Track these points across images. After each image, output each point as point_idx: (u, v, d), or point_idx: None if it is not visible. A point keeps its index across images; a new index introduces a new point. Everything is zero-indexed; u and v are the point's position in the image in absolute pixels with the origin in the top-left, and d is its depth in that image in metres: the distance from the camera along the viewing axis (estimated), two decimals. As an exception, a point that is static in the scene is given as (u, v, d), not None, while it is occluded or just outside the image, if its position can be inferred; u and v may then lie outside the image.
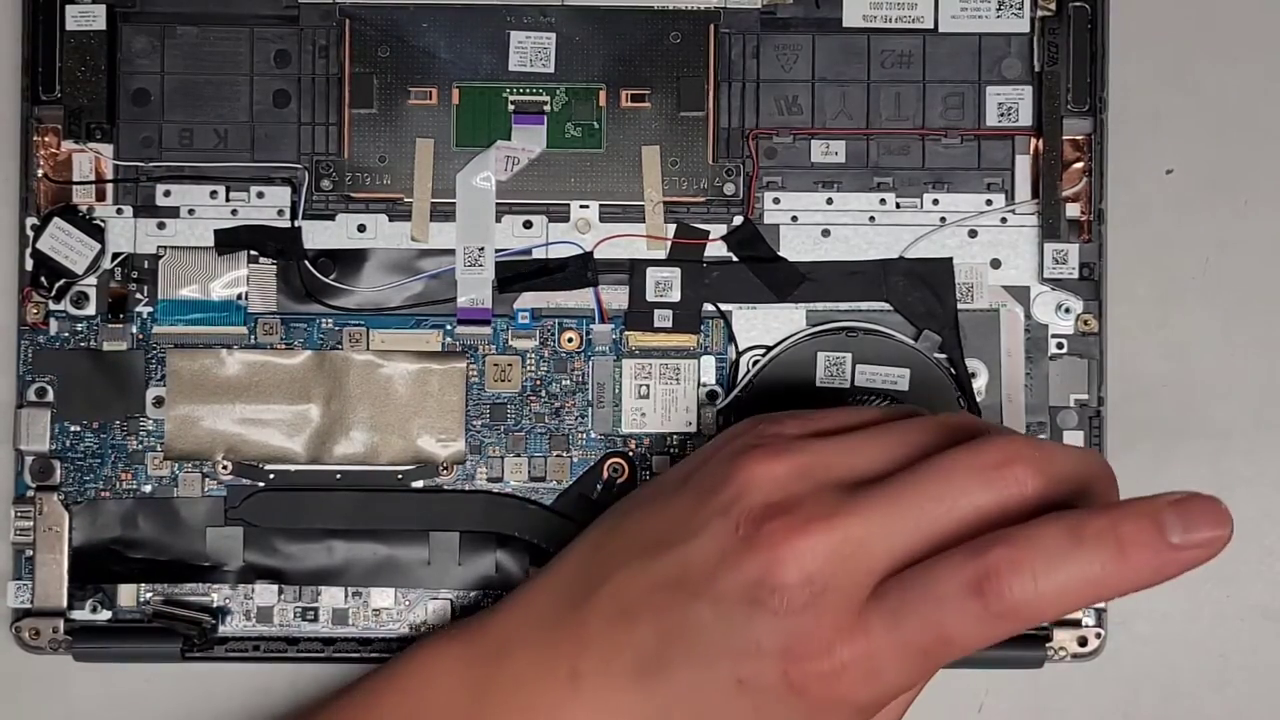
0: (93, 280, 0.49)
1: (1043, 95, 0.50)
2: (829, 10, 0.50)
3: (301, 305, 0.50)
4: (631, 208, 0.50)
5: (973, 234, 0.50)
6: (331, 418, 0.49)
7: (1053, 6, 0.50)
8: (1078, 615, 0.49)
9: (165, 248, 0.50)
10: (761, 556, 0.38)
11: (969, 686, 0.51)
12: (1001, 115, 0.50)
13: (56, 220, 0.49)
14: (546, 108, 0.50)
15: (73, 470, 0.49)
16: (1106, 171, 0.50)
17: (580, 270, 0.50)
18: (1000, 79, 0.50)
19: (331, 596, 0.49)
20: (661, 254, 0.50)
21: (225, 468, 0.49)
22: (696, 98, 0.50)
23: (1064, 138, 0.50)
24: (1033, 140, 0.50)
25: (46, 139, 0.50)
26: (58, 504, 0.49)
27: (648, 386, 0.50)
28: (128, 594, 0.49)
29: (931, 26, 0.50)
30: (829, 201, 0.50)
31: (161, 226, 0.50)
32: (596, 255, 0.50)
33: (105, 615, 0.49)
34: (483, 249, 0.50)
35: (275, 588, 0.49)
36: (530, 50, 0.50)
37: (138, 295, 0.50)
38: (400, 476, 0.50)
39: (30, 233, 0.49)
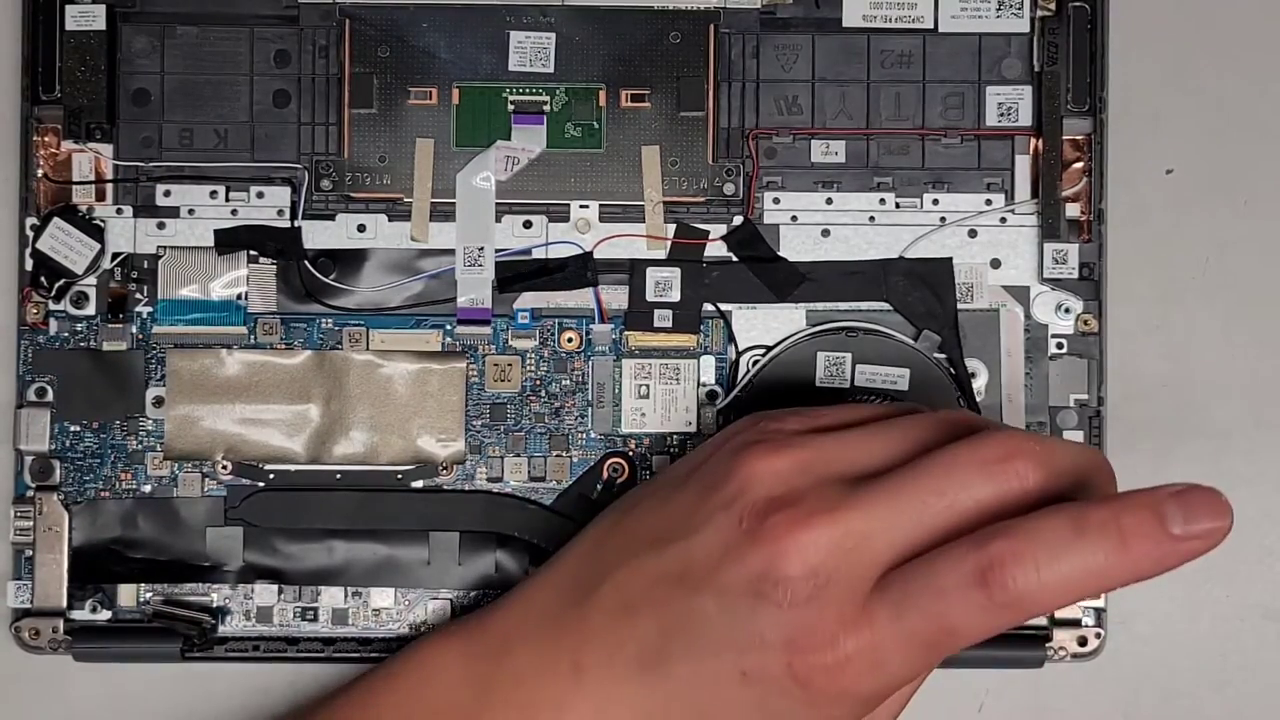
0: (93, 280, 0.49)
1: (1043, 95, 0.50)
2: (829, 10, 0.50)
3: (301, 305, 0.50)
4: (631, 208, 0.50)
5: (973, 234, 0.50)
6: (331, 418, 0.49)
7: (1053, 6, 0.50)
8: (1078, 615, 0.49)
9: (165, 248, 0.50)
10: (765, 550, 0.38)
11: (969, 686, 0.51)
12: (1001, 115, 0.50)
13: (56, 220, 0.49)
14: (546, 108, 0.50)
15: (73, 470, 0.49)
16: (1106, 171, 0.50)
17: (580, 270, 0.50)
18: (1000, 79, 0.50)
19: (331, 596, 0.49)
20: (661, 254, 0.50)
21: (225, 468, 0.49)
22: (696, 98, 0.50)
23: (1064, 138, 0.50)
24: (1033, 140, 0.50)
25: (46, 139, 0.50)
26: (58, 504, 0.49)
27: (648, 386, 0.50)
28: (128, 594, 0.49)
29: (931, 26, 0.50)
30: (829, 201, 0.50)
31: (161, 226, 0.50)
32: (596, 255, 0.50)
33: (105, 615, 0.49)
34: (483, 249, 0.50)
35: (275, 588, 0.49)
36: (530, 50, 0.50)
37: (138, 295, 0.50)
38: (400, 476, 0.50)
39: (30, 233, 0.49)
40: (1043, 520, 0.37)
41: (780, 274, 0.50)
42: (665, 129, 0.50)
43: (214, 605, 0.49)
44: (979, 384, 0.49)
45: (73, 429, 0.49)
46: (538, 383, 0.50)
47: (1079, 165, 0.50)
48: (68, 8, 0.49)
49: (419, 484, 0.50)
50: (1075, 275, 0.50)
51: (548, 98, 0.50)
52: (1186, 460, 0.51)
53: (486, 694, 0.42)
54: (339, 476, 0.49)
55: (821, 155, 0.50)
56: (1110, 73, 0.50)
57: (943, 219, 0.50)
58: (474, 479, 0.50)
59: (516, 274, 0.50)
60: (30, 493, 0.49)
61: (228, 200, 0.50)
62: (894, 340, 0.49)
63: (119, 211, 0.50)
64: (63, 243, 0.49)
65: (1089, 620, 0.49)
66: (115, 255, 0.50)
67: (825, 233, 0.50)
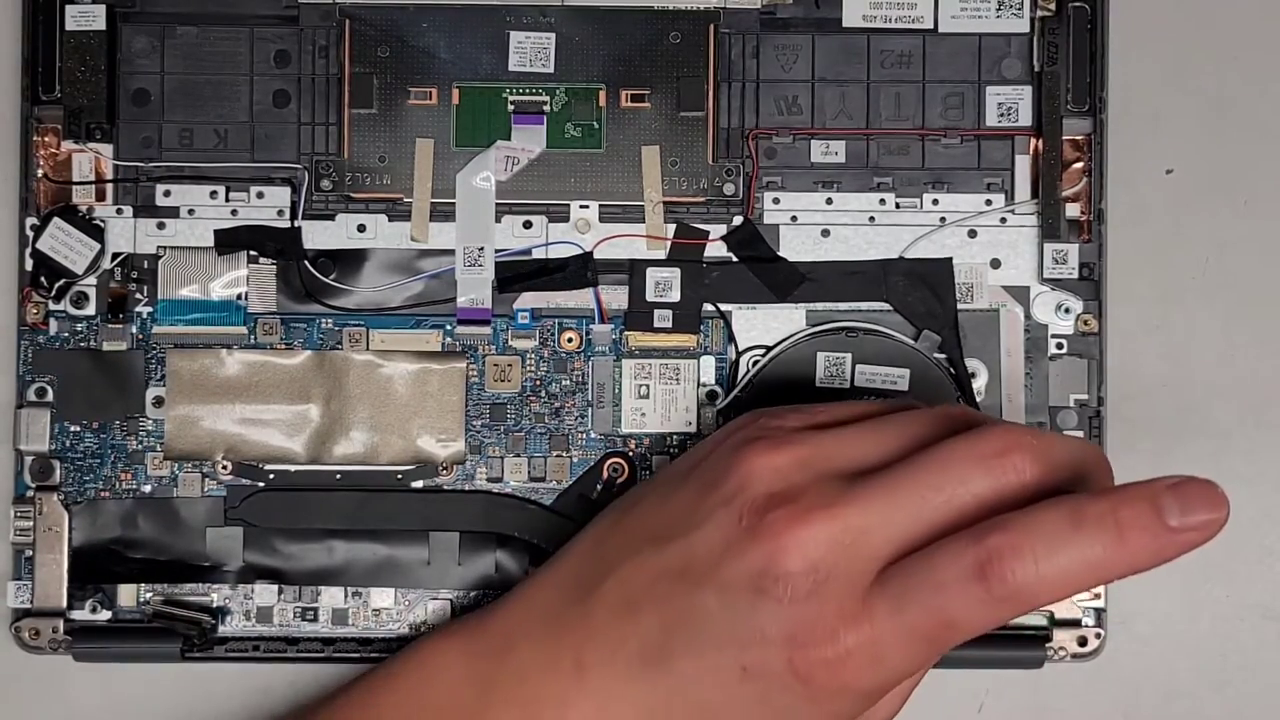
0: (92, 280, 0.49)
1: (1043, 95, 0.50)
2: (829, 10, 0.50)
3: (301, 305, 0.50)
4: (631, 208, 0.50)
5: (972, 234, 0.50)
6: (331, 418, 0.49)
7: (1053, 6, 0.50)
8: (1078, 615, 0.49)
9: (165, 248, 0.50)
10: (765, 546, 0.38)
11: (969, 686, 0.51)
12: (1001, 115, 0.50)
13: (56, 220, 0.49)
14: (546, 108, 0.50)
15: (73, 470, 0.49)
16: (1106, 171, 0.50)
17: (580, 270, 0.50)
18: (1000, 79, 0.50)
19: (331, 596, 0.49)
20: (661, 254, 0.50)
21: (225, 468, 0.49)
22: (696, 98, 0.50)
23: (1064, 138, 0.50)
24: (1033, 140, 0.50)
25: (46, 139, 0.50)
26: (57, 504, 0.49)
27: (647, 386, 0.50)
28: (127, 594, 0.49)
29: (931, 26, 0.50)
30: (829, 201, 0.50)
31: (161, 226, 0.50)
32: (596, 255, 0.50)
33: (105, 615, 0.49)
34: (482, 249, 0.50)
35: (275, 588, 0.49)
36: (530, 50, 0.50)
37: (138, 295, 0.50)
38: (400, 476, 0.50)
39: (30, 233, 0.49)
40: (1040, 513, 0.37)
41: (780, 274, 0.50)
42: (665, 129, 0.50)
43: (214, 605, 0.49)
44: (979, 384, 0.49)
45: (73, 429, 0.49)
46: (538, 383, 0.50)
47: (1079, 165, 0.50)
48: (68, 8, 0.49)
49: (419, 484, 0.50)
50: (1075, 275, 0.50)
51: (548, 98, 0.50)
52: (1186, 460, 0.51)
53: (488, 692, 0.42)
54: (339, 476, 0.49)
55: (821, 155, 0.50)
56: (1110, 73, 0.50)
57: (943, 219, 0.50)
58: (474, 479, 0.50)
59: (516, 274, 0.50)
60: (30, 493, 0.49)
61: (228, 200, 0.50)
62: (894, 340, 0.49)
63: (119, 211, 0.50)
64: (63, 243, 0.49)
65: (1089, 620, 0.49)
66: (115, 255, 0.50)
67: (825, 233, 0.50)
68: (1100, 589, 0.49)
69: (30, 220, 0.49)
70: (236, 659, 0.49)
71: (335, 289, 0.50)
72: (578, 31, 0.50)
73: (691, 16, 0.50)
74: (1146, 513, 0.36)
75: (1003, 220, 0.50)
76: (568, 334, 0.50)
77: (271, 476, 0.49)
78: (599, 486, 0.50)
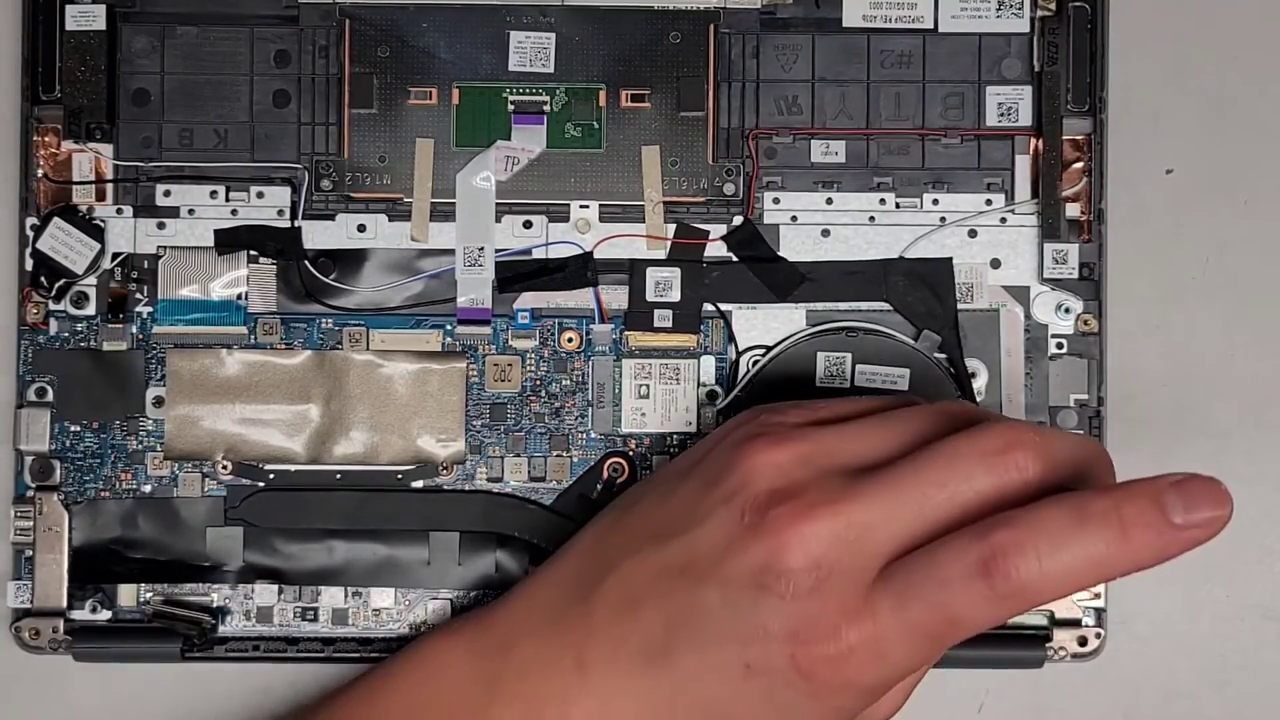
0: (93, 280, 0.49)
1: (1043, 95, 0.50)
2: (829, 10, 0.50)
3: (301, 305, 0.50)
4: (631, 208, 0.50)
5: (973, 234, 0.50)
6: (331, 418, 0.49)
7: (1053, 6, 0.50)
8: (1078, 615, 0.49)
9: (165, 248, 0.50)
10: (767, 542, 0.38)
11: (969, 686, 0.51)
12: (1001, 115, 0.50)
13: (56, 220, 0.49)
14: (546, 108, 0.50)
15: (73, 470, 0.49)
16: (1106, 171, 0.50)
17: (580, 270, 0.50)
18: (1000, 79, 0.50)
19: (331, 596, 0.49)
20: (661, 254, 0.50)
21: (225, 468, 0.49)
22: (696, 98, 0.50)
23: (1064, 138, 0.50)
24: (1033, 140, 0.50)
25: (46, 139, 0.50)
26: (58, 504, 0.49)
27: (648, 386, 0.50)
28: (128, 594, 0.49)
29: (931, 26, 0.50)
30: (829, 201, 0.50)
31: (161, 226, 0.50)
32: (596, 255, 0.50)
33: (105, 615, 0.49)
34: (483, 249, 0.50)
35: (275, 588, 0.49)
36: (530, 50, 0.50)
37: (138, 295, 0.50)
38: (400, 476, 0.50)
39: (30, 233, 0.49)
40: (1044, 510, 0.37)
41: (780, 274, 0.50)
42: (665, 129, 0.50)
43: (214, 605, 0.49)
44: (979, 384, 0.49)
45: (73, 429, 0.49)
46: (538, 383, 0.50)
47: (1079, 165, 0.50)
48: (68, 8, 0.49)
49: (419, 484, 0.50)
50: (1075, 275, 0.50)
51: (548, 98, 0.50)
52: (1186, 460, 0.50)
53: (491, 689, 0.42)
54: (339, 476, 0.49)
55: (821, 155, 0.50)
56: (1110, 73, 0.50)
57: (943, 219, 0.50)
58: (474, 479, 0.50)
59: (516, 274, 0.50)
60: (30, 493, 0.49)
61: (228, 200, 0.50)
62: (894, 340, 0.49)
63: (119, 211, 0.50)
64: (63, 243, 0.49)
65: (1089, 620, 0.49)
66: (115, 255, 0.50)
67: (825, 233, 0.50)
68: (1100, 589, 0.49)
69: (30, 220, 0.49)
70: (236, 659, 0.49)
71: (335, 289, 0.50)
72: (578, 31, 0.50)
73: (691, 16, 0.50)
74: (1150, 509, 0.37)
75: (1003, 220, 0.50)
76: (568, 334, 0.50)
77: (271, 476, 0.49)
78: (599, 486, 0.50)
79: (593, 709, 0.40)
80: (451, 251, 0.50)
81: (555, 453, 0.50)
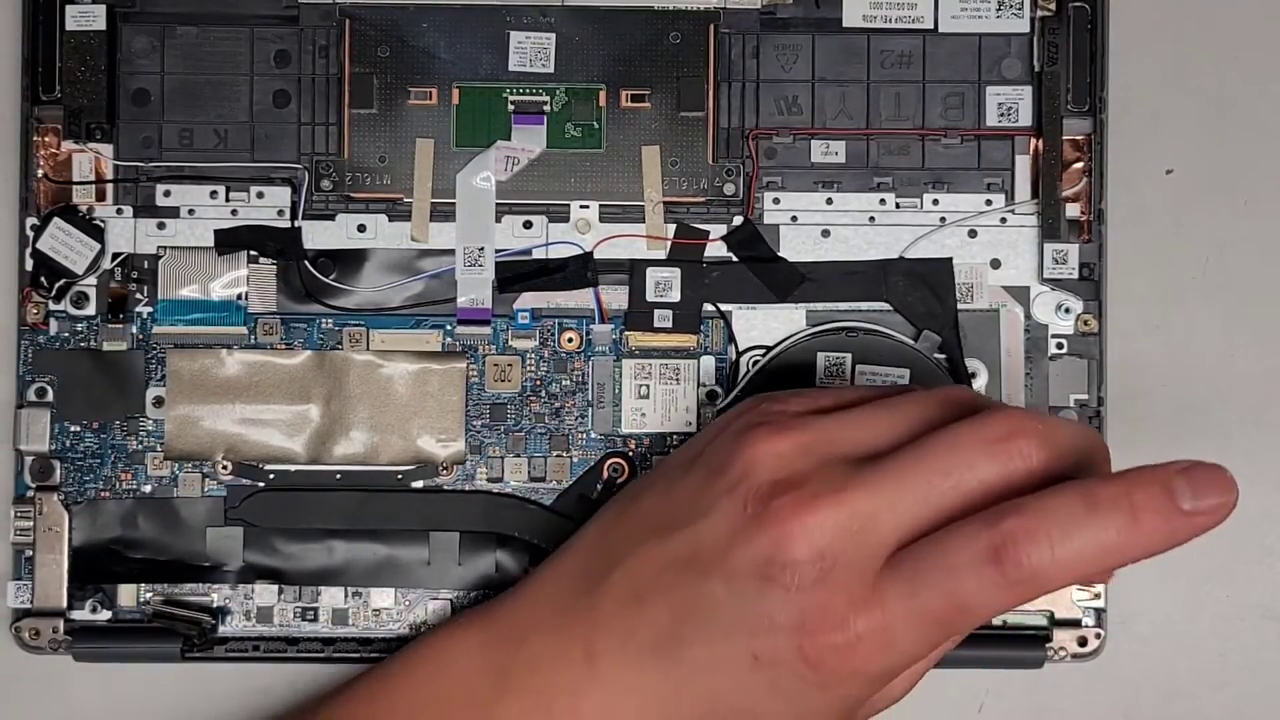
0: (93, 280, 0.49)
1: (1043, 95, 0.50)
2: (829, 10, 0.50)
3: (301, 305, 0.50)
4: (631, 208, 0.50)
5: (973, 234, 0.50)
6: (331, 418, 0.49)
7: (1053, 6, 0.50)
8: (1078, 615, 0.49)
9: (165, 248, 0.50)
10: (771, 533, 0.38)
11: (969, 686, 0.51)
12: (1001, 115, 0.50)
13: (56, 220, 0.49)
14: (546, 108, 0.50)
15: (73, 470, 0.49)
16: (1106, 171, 0.50)
17: (580, 270, 0.50)
18: (1000, 79, 0.50)
19: (331, 596, 0.49)
20: (661, 254, 0.50)
21: (225, 468, 0.49)
22: (696, 98, 0.50)
23: (1064, 138, 0.50)
24: (1033, 140, 0.50)
25: (46, 139, 0.50)
26: (58, 504, 0.49)
27: (648, 386, 0.50)
28: (128, 594, 0.49)
29: (931, 26, 0.50)
30: (829, 201, 0.50)
31: (161, 226, 0.50)
32: (596, 255, 0.50)
33: (105, 615, 0.49)
34: (483, 249, 0.50)
35: (275, 588, 0.49)
36: (530, 50, 0.50)
37: (138, 295, 0.50)
38: (400, 476, 0.50)
39: (30, 233, 0.49)
40: (1055, 497, 0.37)
41: (780, 274, 0.50)
42: (665, 129, 0.50)
43: (214, 605, 0.49)
44: (979, 384, 0.49)
45: (73, 429, 0.49)
46: (538, 383, 0.50)
47: (1079, 165, 0.50)
48: (68, 8, 0.49)
49: (419, 484, 0.50)
50: (1075, 275, 0.50)
51: (548, 98, 0.50)
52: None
53: (502, 682, 0.42)
54: (339, 476, 0.49)
55: (821, 155, 0.50)
56: (1110, 73, 0.50)
57: (943, 219, 0.50)
58: (474, 479, 0.50)
59: (516, 274, 0.50)
60: (30, 493, 0.49)
61: (228, 200, 0.50)
62: (894, 340, 0.49)
63: (119, 211, 0.50)
64: (63, 243, 0.49)
65: (1089, 620, 0.49)
66: (115, 255, 0.50)
67: (825, 233, 0.50)
68: (1100, 588, 0.49)
69: (30, 220, 0.49)
70: (236, 659, 0.49)
71: (335, 289, 0.50)
72: (578, 31, 0.50)
73: (691, 16, 0.50)
74: (1159, 495, 0.37)
75: (1003, 220, 0.50)
76: (568, 334, 0.50)
77: (271, 476, 0.49)
78: (599, 486, 0.49)
79: (602, 701, 0.40)
80: (451, 251, 0.50)
81: (555, 453, 0.50)
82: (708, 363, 0.50)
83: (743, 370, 0.49)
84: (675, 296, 0.50)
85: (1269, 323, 0.51)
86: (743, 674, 0.39)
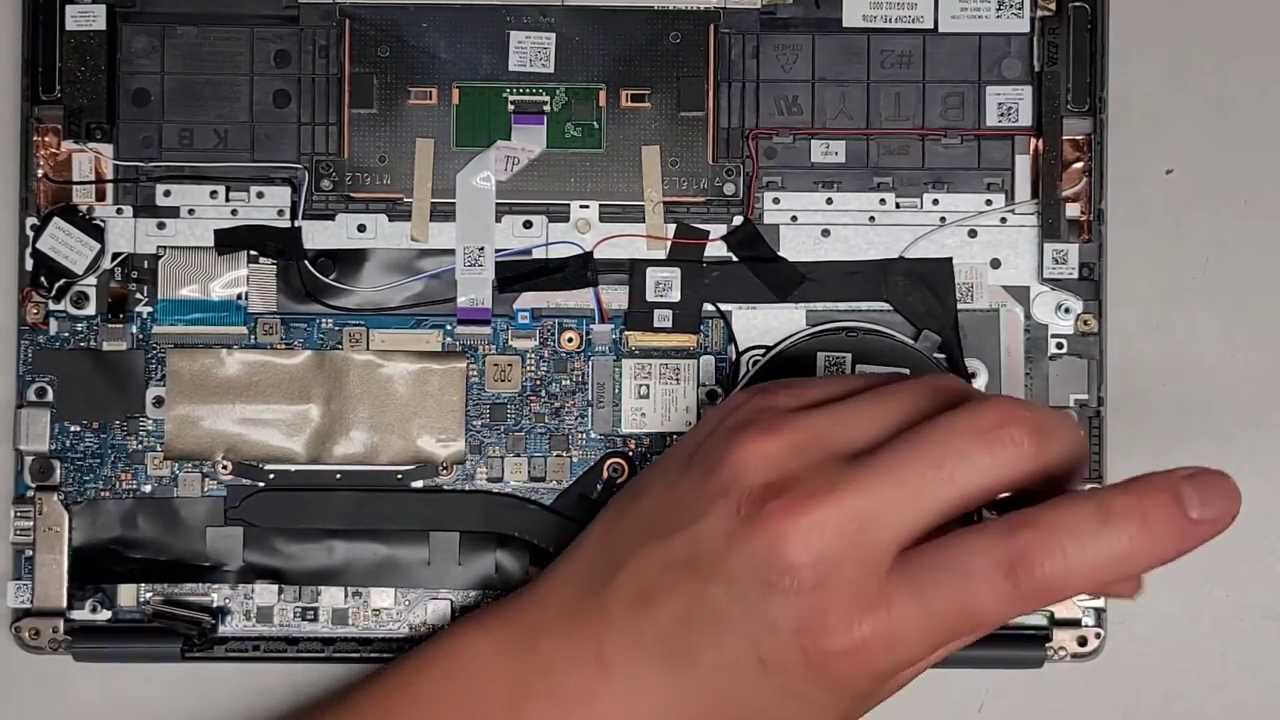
0: (93, 280, 0.49)
1: (1043, 95, 0.50)
2: (829, 10, 0.50)
3: (301, 305, 0.50)
4: (631, 208, 0.50)
5: (973, 234, 0.50)
6: (331, 418, 0.49)
7: (1053, 6, 0.50)
8: (1078, 615, 0.49)
9: (165, 248, 0.50)
10: (766, 537, 0.38)
11: (969, 686, 0.51)
12: (1001, 115, 0.50)
13: (56, 220, 0.49)
14: (546, 108, 0.50)
15: (73, 470, 0.49)
16: (1106, 171, 0.50)
17: (580, 270, 0.50)
18: (1000, 79, 0.50)
19: (331, 596, 0.49)
20: (661, 254, 0.50)
21: (225, 468, 0.49)
22: (696, 98, 0.50)
23: (1064, 138, 0.50)
24: (1033, 140, 0.50)
25: (46, 139, 0.50)
26: (58, 504, 0.49)
27: (648, 386, 0.50)
28: (128, 594, 0.49)
29: (931, 26, 0.50)
30: (829, 201, 0.50)
31: (161, 226, 0.50)
32: (596, 255, 0.50)
33: (105, 615, 0.49)
34: (483, 249, 0.50)
35: (275, 588, 0.49)
36: (530, 50, 0.50)
37: (138, 295, 0.50)
38: (400, 476, 0.50)
39: (30, 233, 0.49)
40: (1069, 509, 0.37)
41: (780, 274, 0.50)
42: (665, 129, 0.50)
43: (214, 605, 0.49)
44: (979, 384, 0.49)
45: (73, 429, 0.49)
46: (538, 383, 0.50)
47: (1079, 165, 0.50)
48: (68, 8, 0.49)
49: (419, 484, 0.50)
50: (1075, 275, 0.50)
51: (548, 98, 0.50)
52: (1186, 460, 0.50)
53: (519, 684, 0.41)
54: (339, 476, 0.49)
55: (821, 155, 0.50)
56: (1110, 73, 0.50)
57: (943, 219, 0.50)
58: (474, 479, 0.50)
59: (516, 274, 0.50)
60: (30, 493, 0.49)
61: (228, 200, 0.50)
62: (894, 340, 0.49)
63: (119, 211, 0.50)
64: (63, 243, 0.49)
65: (1089, 620, 0.49)
66: (115, 255, 0.50)
67: (825, 233, 0.50)
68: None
69: (30, 220, 0.49)
70: (236, 659, 0.49)
71: (335, 289, 0.50)
72: (578, 31, 0.50)
73: (691, 16, 0.50)
74: (1170, 504, 0.37)
75: (1003, 220, 0.50)
76: (568, 334, 0.50)
77: (271, 476, 0.49)
78: (599, 486, 0.50)
79: (618, 705, 0.40)
80: (451, 251, 0.50)
81: (555, 453, 0.50)
82: (708, 363, 0.50)
83: (743, 370, 0.49)
84: (675, 296, 0.50)
85: (1269, 323, 0.51)
86: (751, 677, 0.39)
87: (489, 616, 0.44)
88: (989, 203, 0.50)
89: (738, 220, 0.50)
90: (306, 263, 0.50)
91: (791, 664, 0.38)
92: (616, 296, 0.50)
